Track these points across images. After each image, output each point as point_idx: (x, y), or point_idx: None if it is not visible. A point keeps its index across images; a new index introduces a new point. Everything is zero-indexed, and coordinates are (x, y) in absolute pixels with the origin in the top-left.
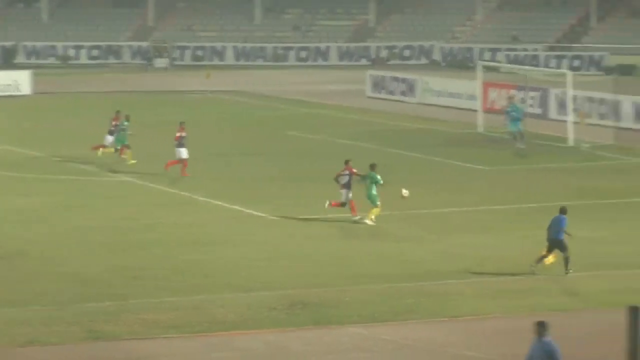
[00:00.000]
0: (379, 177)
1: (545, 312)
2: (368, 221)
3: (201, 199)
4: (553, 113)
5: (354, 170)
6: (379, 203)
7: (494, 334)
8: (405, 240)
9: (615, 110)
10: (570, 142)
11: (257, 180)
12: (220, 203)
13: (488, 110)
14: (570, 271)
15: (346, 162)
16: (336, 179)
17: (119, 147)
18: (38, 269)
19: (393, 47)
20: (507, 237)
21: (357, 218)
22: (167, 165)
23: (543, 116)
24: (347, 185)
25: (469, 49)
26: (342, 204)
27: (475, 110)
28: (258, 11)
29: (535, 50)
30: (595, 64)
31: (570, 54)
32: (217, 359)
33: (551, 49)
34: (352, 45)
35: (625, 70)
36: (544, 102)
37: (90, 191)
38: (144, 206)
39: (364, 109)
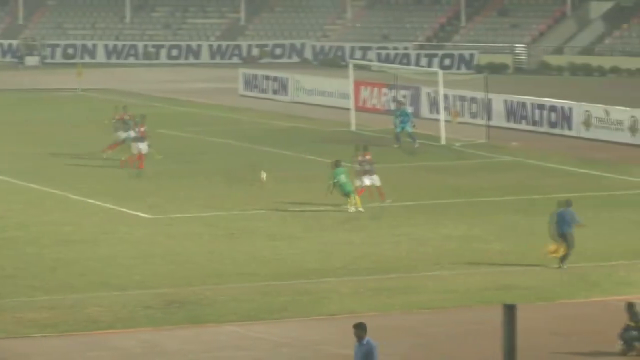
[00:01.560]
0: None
1: (421, 310)
2: (351, 208)
3: (75, 197)
4: (425, 112)
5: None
6: (353, 190)
7: (370, 331)
8: (281, 238)
9: (486, 109)
10: (443, 141)
11: (129, 178)
12: (93, 201)
13: (360, 109)
14: (565, 267)
15: (365, 148)
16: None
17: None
18: None
19: (264, 45)
20: (382, 235)
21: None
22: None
23: (415, 115)
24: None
25: (340, 48)
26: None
27: (347, 109)
28: (128, 9)
29: (406, 49)
30: (466, 62)
31: (440, 52)
32: (93, 358)
33: (421, 47)
34: (224, 43)
35: (495, 68)
36: (415, 101)
37: None
38: (17, 204)
39: (236, 107)
